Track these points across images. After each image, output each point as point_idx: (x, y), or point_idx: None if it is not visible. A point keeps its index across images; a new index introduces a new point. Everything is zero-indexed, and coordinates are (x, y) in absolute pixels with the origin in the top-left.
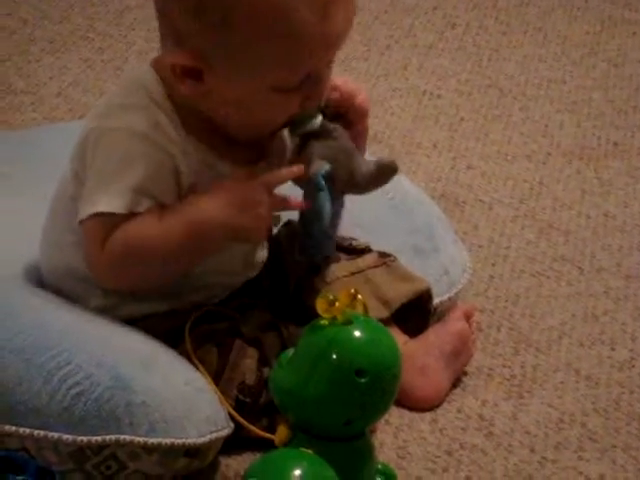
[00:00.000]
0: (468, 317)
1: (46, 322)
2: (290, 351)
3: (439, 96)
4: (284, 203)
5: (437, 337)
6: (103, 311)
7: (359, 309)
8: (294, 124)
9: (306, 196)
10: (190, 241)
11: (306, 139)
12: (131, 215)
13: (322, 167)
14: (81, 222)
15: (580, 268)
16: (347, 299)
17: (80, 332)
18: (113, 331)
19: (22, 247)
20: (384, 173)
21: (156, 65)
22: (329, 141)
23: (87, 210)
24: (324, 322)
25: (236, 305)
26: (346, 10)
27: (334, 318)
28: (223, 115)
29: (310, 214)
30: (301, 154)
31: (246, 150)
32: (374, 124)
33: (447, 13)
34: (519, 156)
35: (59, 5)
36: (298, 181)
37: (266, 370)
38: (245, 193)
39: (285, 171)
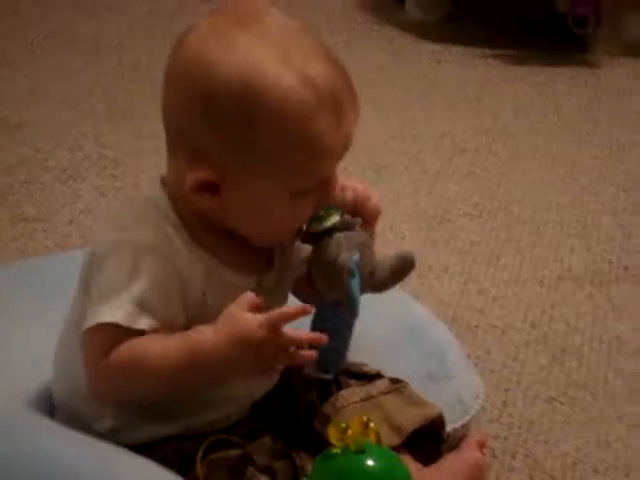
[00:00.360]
0: (482, 446)
1: (50, 450)
2: None
3: (449, 220)
4: (292, 342)
5: (452, 466)
6: (116, 432)
7: (371, 437)
8: (312, 224)
9: (322, 318)
10: (187, 368)
11: (326, 232)
12: (130, 329)
13: (353, 254)
14: (84, 333)
15: (593, 394)
16: (359, 427)
17: (84, 460)
18: (120, 459)
19: (31, 375)
20: (404, 266)
21: (162, 182)
22: (352, 233)
23: (89, 322)
24: (336, 451)
25: (246, 432)
26: (355, 106)
27: (346, 446)
28: (237, 224)
29: (334, 326)
30: (322, 247)
31: (252, 256)
32: (384, 249)
33: (456, 139)
34: (530, 280)
35: (71, 133)
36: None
37: None
38: (249, 333)
39: (294, 309)
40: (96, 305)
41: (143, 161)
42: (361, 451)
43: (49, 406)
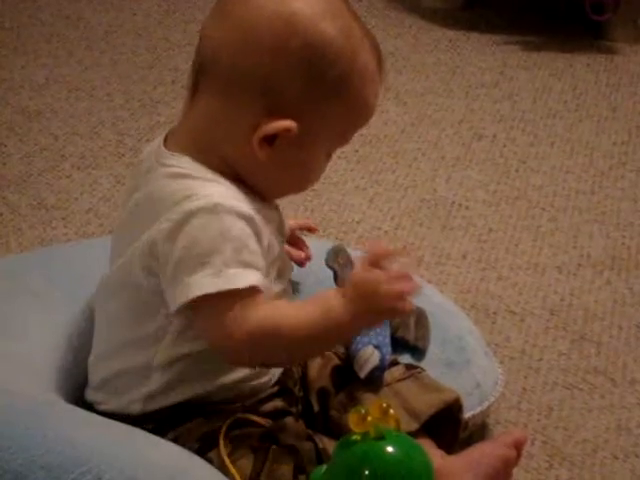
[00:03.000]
0: (518, 445)
1: (76, 438)
2: (323, 467)
3: (467, 207)
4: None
5: (481, 456)
6: (151, 397)
7: (391, 423)
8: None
9: None
10: (322, 331)
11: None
12: (252, 289)
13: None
14: (193, 302)
15: (613, 380)
16: (379, 413)
17: (111, 447)
18: (145, 445)
19: (50, 360)
20: (422, 316)
21: (203, 136)
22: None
23: (193, 292)
24: (356, 437)
25: (270, 410)
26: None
27: (366, 433)
28: (265, 178)
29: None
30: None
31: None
32: (403, 235)
33: (474, 125)
34: (549, 267)
35: (90, 121)
36: None
37: (302, 478)
38: (374, 290)
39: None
40: (193, 275)
41: None
42: (381, 437)
43: (70, 389)
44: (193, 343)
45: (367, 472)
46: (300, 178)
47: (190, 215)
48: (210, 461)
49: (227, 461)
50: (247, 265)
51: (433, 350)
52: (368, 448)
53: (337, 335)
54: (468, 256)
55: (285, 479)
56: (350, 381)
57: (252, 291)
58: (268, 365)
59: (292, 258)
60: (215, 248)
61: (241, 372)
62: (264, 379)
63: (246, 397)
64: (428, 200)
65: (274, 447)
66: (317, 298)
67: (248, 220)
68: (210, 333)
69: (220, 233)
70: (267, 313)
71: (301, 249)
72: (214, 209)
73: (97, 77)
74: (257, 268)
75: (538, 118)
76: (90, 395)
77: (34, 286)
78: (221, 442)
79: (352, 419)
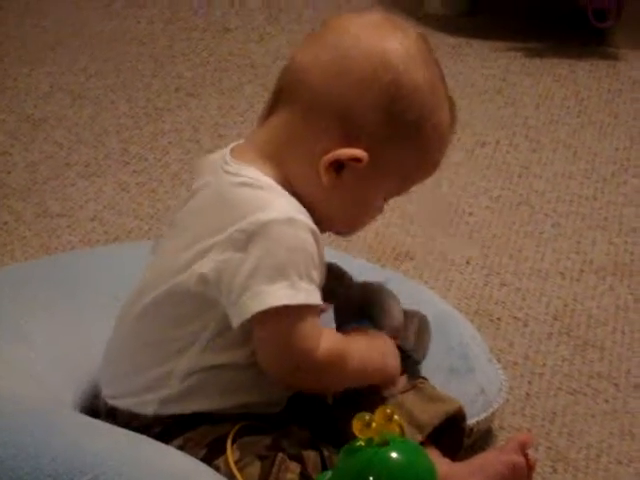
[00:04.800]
0: (524, 447)
1: (82, 445)
2: (327, 474)
3: (471, 213)
4: None
5: (486, 463)
6: (166, 403)
7: (395, 429)
8: None
9: None
10: (374, 370)
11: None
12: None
13: None
14: (264, 313)
15: (616, 385)
16: (383, 419)
17: (117, 455)
18: (151, 453)
19: (58, 367)
20: (424, 324)
21: (276, 157)
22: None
23: (272, 301)
24: (360, 443)
25: (275, 419)
26: None
27: (370, 439)
28: (324, 207)
29: None
30: None
31: None
32: (406, 242)
33: (477, 131)
34: (552, 273)
35: (94, 129)
36: None
37: None
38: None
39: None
40: (270, 286)
41: (165, 156)
42: (385, 443)
43: (76, 396)
44: (219, 355)
45: (372, 478)
46: (355, 215)
47: (265, 226)
48: (217, 468)
49: (234, 469)
50: (313, 281)
51: (436, 357)
52: (372, 454)
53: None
54: (471, 262)
55: None
56: (352, 390)
57: (318, 309)
58: (320, 390)
59: None
60: (291, 260)
61: (255, 397)
62: (277, 407)
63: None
64: (431, 206)
65: (280, 455)
66: None
67: (316, 236)
68: (277, 347)
69: (295, 246)
70: (337, 337)
71: None
72: (289, 222)
73: (101, 85)
74: (318, 286)
75: (541, 124)
76: (106, 388)
77: (39, 294)
78: (229, 449)
79: (356, 425)
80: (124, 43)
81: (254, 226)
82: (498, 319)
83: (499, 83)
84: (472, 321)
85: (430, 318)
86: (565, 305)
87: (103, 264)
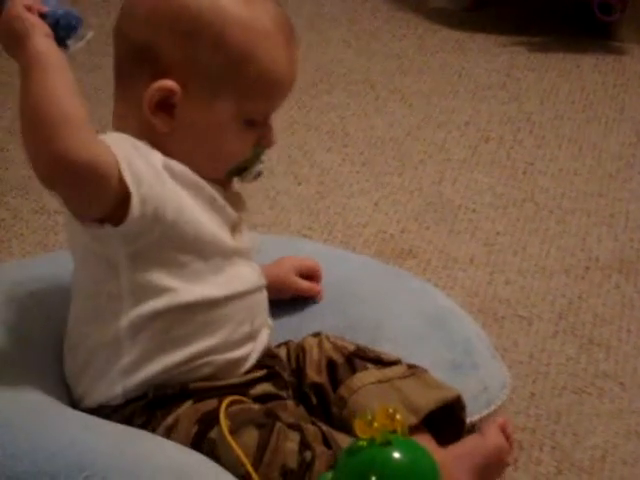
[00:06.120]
0: (504, 430)
1: (80, 442)
2: (329, 474)
3: (474, 210)
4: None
5: (472, 448)
6: (132, 370)
7: (397, 429)
8: (244, 170)
9: None
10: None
11: None
12: None
13: None
14: None
15: (622, 384)
16: (385, 419)
17: (115, 451)
18: (149, 448)
19: (55, 368)
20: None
21: (120, 121)
22: None
23: None
24: (362, 443)
25: (260, 394)
26: (297, 47)
27: (372, 439)
28: (183, 150)
29: None
30: None
31: None
32: (409, 239)
33: (480, 127)
34: (557, 270)
35: (91, 123)
36: None
37: (308, 454)
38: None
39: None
40: None
41: None
42: (387, 443)
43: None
44: (153, 300)
45: (374, 478)
46: (212, 146)
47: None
48: (212, 442)
49: (229, 438)
50: None
51: (439, 352)
52: (375, 454)
53: None
54: (475, 260)
55: (291, 455)
56: (347, 376)
57: None
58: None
59: (305, 293)
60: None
61: (209, 340)
62: (238, 352)
63: (227, 374)
64: (434, 203)
65: (279, 423)
66: None
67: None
68: None
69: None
70: None
71: (317, 282)
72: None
73: (99, 80)
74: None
75: (545, 120)
76: (73, 393)
77: (36, 292)
78: (222, 418)
79: (358, 425)
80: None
81: None
82: (502, 317)
83: (503, 78)
84: (476, 319)
85: (433, 316)
86: (570, 303)
87: None
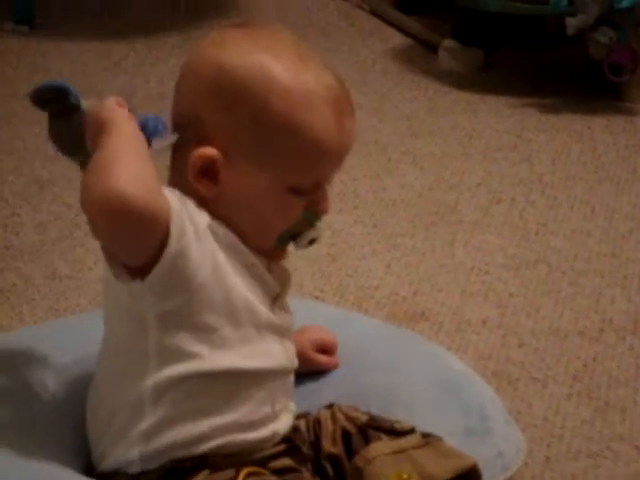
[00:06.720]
0: None
1: None
2: None
3: (487, 272)
4: None
5: None
6: (151, 435)
7: None
8: (297, 235)
9: None
10: None
11: None
12: None
13: None
14: None
15: (638, 448)
16: None
17: None
18: None
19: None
20: None
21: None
22: None
23: None
24: None
25: (279, 468)
26: (354, 125)
27: None
28: (233, 217)
29: None
30: None
31: None
32: (422, 301)
33: (492, 189)
34: (571, 332)
35: None
36: None
37: None
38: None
39: None
40: None
41: None
42: None
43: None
44: (178, 364)
45: None
46: (255, 214)
47: None
48: None
49: None
50: None
51: (453, 418)
52: None
53: None
54: (488, 322)
55: None
56: (361, 446)
57: None
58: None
59: (323, 367)
60: None
61: (230, 415)
62: (259, 433)
63: (247, 455)
64: (447, 265)
65: None
66: None
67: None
68: None
69: None
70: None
71: (333, 355)
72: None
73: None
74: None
75: (557, 180)
76: (93, 453)
77: (49, 357)
78: None
79: None
80: (133, 101)
81: None
82: (516, 380)
83: (514, 139)
84: (490, 382)
85: (446, 380)
86: (585, 365)
87: None
